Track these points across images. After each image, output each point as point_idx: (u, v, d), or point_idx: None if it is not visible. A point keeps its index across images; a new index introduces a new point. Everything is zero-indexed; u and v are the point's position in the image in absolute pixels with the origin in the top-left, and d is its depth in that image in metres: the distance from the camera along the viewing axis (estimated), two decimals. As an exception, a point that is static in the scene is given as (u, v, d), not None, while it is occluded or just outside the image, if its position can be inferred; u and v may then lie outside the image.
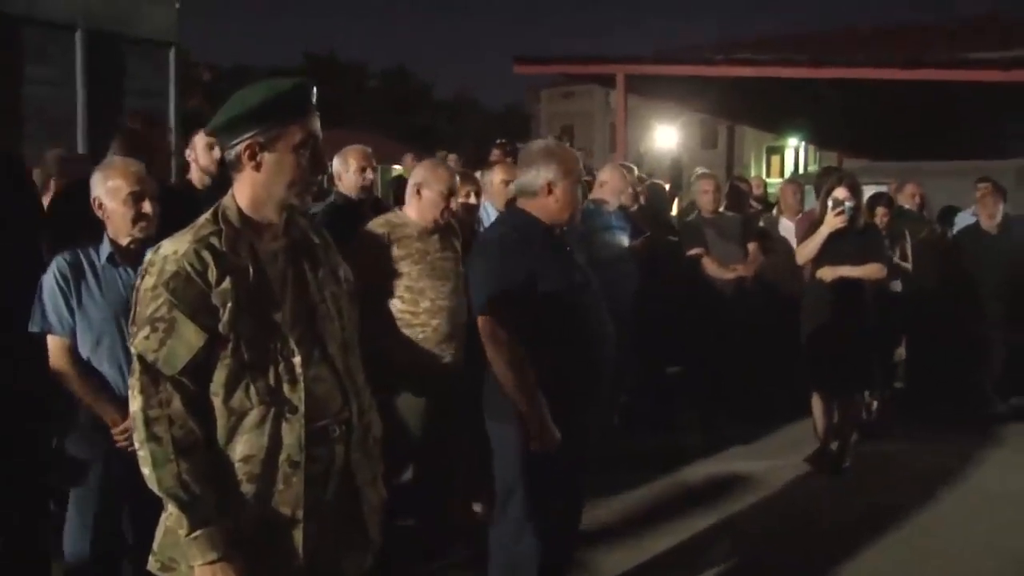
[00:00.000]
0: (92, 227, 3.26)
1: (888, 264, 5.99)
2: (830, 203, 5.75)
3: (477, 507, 4.65)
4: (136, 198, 3.17)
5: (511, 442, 3.38)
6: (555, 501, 3.49)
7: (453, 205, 4.08)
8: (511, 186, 5.07)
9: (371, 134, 28.86)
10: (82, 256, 3.21)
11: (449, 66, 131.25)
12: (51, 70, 6.56)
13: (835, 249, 5.75)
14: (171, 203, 3.36)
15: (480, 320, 3.36)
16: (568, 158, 3.46)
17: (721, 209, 6.96)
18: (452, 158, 9.12)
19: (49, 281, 3.18)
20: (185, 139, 5.86)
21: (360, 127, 35.78)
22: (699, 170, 7.92)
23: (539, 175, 3.41)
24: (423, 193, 4.04)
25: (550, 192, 3.40)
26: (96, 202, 3.20)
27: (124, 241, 3.20)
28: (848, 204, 5.67)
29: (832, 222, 5.69)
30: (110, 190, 3.17)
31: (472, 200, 4.65)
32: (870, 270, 5.78)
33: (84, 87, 6.63)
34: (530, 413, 3.28)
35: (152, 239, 3.13)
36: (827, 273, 5.80)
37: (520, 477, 3.39)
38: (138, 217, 3.17)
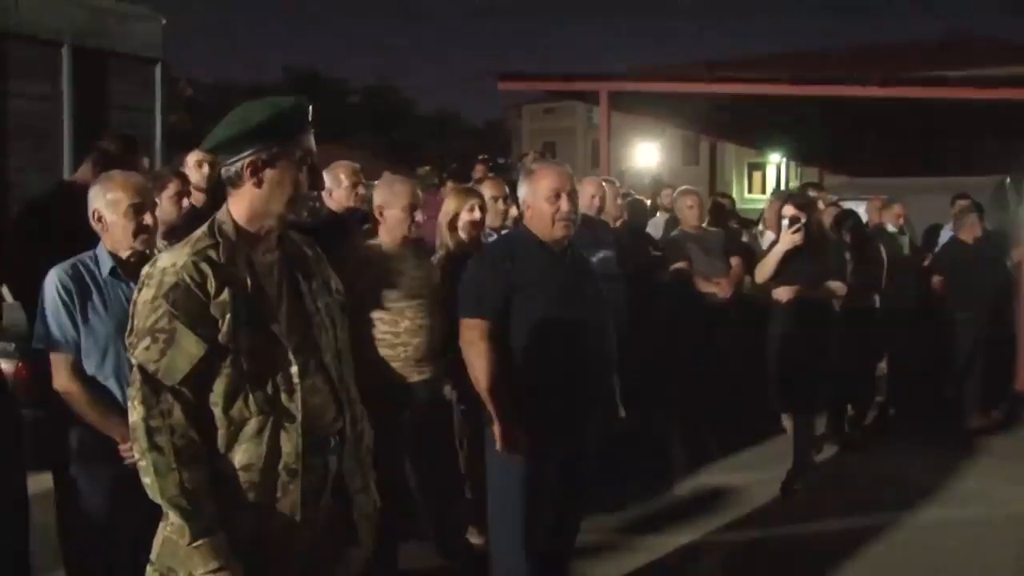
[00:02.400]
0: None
1: (847, 280, 5.88)
2: (785, 222, 5.69)
3: (477, 539, 4.58)
4: (137, 210, 3.12)
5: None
6: (546, 506, 3.53)
7: (418, 218, 4.11)
8: (499, 202, 5.14)
9: (352, 150, 28.84)
10: (82, 269, 3.13)
11: (431, 81, 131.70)
12: (37, 85, 6.55)
13: (792, 267, 5.65)
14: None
15: (460, 325, 3.55)
16: (538, 180, 3.56)
17: (704, 225, 7.03)
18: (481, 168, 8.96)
19: (52, 295, 3.09)
20: (169, 154, 5.86)
21: (341, 143, 35.76)
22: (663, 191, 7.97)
23: (520, 194, 3.65)
24: (386, 214, 4.09)
25: (528, 209, 3.59)
26: (95, 215, 3.15)
27: (125, 254, 3.14)
28: (801, 221, 5.58)
29: (789, 239, 5.61)
30: (110, 202, 3.12)
31: (477, 214, 4.64)
32: (827, 289, 5.71)
33: (70, 102, 6.62)
34: (495, 417, 3.41)
35: (154, 251, 3.14)
36: (783, 293, 5.72)
37: (509, 478, 3.45)
38: (139, 229, 3.12)
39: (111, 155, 4.06)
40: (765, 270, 5.77)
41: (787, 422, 6.02)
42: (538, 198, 3.52)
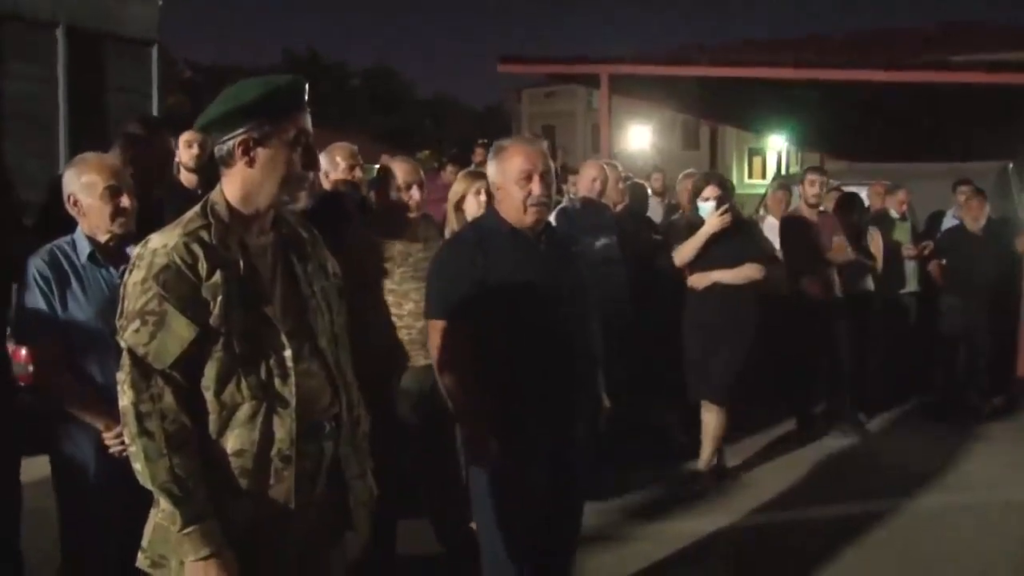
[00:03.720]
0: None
1: (767, 262, 5.56)
2: (711, 204, 5.34)
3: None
4: (113, 192, 3.02)
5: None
6: (532, 506, 3.27)
7: (416, 194, 4.03)
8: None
9: (351, 133, 28.74)
10: (60, 255, 3.03)
11: (431, 65, 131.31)
12: (33, 67, 6.50)
13: (710, 252, 5.35)
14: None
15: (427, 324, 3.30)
16: (507, 159, 3.19)
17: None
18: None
19: (30, 283, 3.00)
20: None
21: (341, 126, 35.65)
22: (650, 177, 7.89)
23: (489, 174, 3.31)
24: (384, 194, 4.05)
25: (498, 191, 3.26)
26: (71, 199, 3.05)
27: (103, 238, 3.05)
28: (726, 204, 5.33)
29: (718, 222, 5.30)
30: (85, 185, 3.02)
31: (483, 197, 4.59)
32: (743, 273, 5.38)
33: (66, 84, 6.57)
34: (460, 422, 3.24)
35: (132, 234, 3.06)
36: (699, 280, 5.44)
37: (486, 482, 3.22)
38: (116, 212, 3.03)
39: (138, 138, 3.99)
40: (685, 253, 5.43)
41: (706, 413, 5.60)
42: (507, 180, 3.16)
